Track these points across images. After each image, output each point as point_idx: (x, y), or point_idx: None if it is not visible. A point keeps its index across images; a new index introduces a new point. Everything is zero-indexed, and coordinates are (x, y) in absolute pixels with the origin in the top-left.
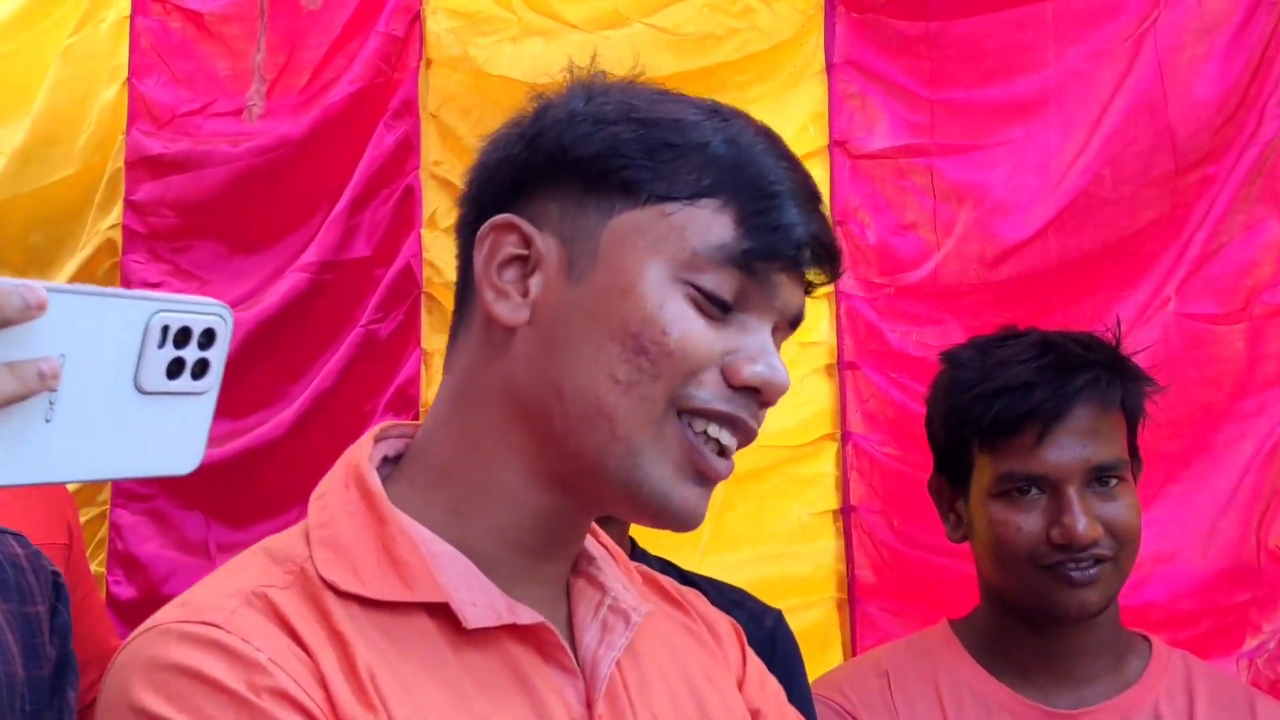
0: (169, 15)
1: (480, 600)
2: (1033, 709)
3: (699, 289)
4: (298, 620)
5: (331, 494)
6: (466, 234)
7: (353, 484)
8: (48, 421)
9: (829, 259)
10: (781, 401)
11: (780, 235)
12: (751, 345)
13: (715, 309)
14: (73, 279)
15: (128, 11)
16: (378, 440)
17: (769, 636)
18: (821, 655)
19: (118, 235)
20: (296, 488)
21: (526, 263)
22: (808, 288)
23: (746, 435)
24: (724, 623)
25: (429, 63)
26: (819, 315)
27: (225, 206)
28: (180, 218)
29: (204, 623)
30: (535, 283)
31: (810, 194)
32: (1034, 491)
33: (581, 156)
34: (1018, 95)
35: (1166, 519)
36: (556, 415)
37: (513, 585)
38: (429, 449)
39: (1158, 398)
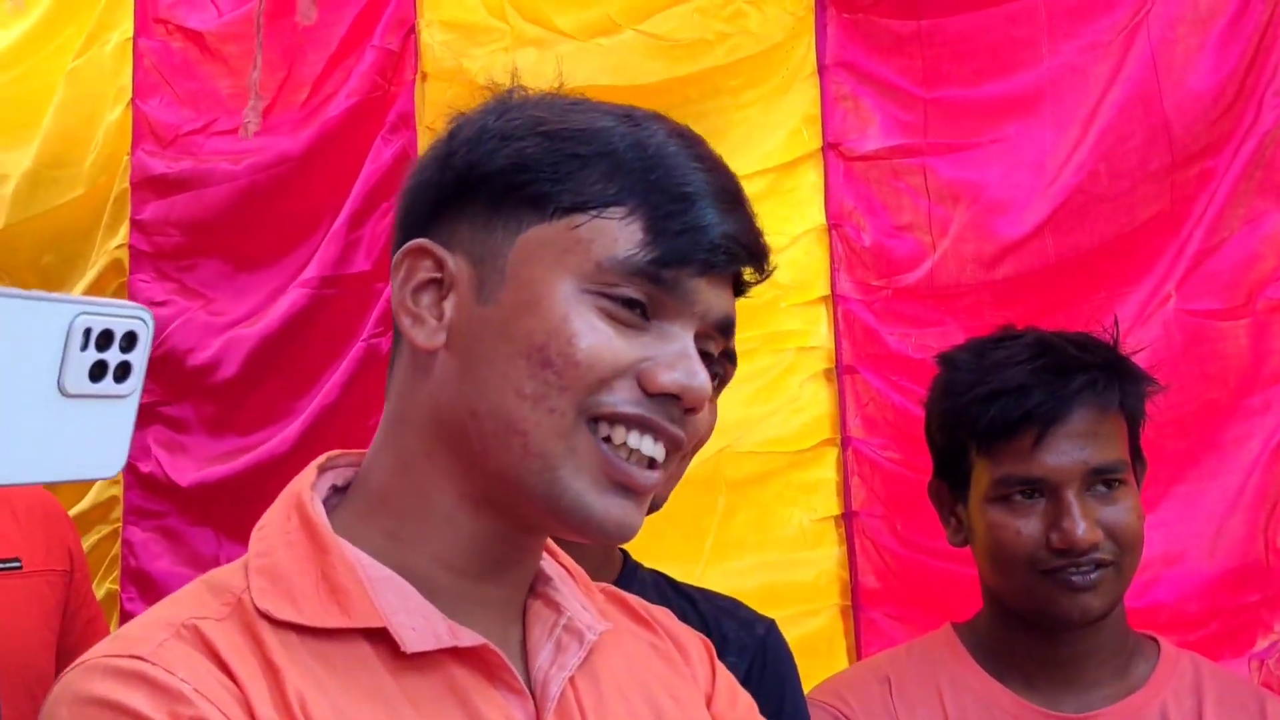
0: (171, 36)
1: (420, 624)
2: (1037, 714)
3: (610, 298)
4: (228, 651)
5: (271, 525)
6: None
7: (294, 513)
8: None
9: (751, 257)
10: (781, 406)
11: (689, 239)
12: (669, 352)
13: (631, 317)
14: None
15: (131, 33)
16: (324, 469)
17: (760, 645)
18: (826, 663)
19: (124, 255)
20: None
21: (441, 286)
22: (740, 288)
23: (671, 441)
24: (693, 639)
25: (424, 76)
26: (817, 320)
27: (228, 224)
28: (185, 236)
29: (129, 655)
30: (449, 305)
31: (728, 193)
32: (1033, 495)
33: (488, 174)
34: (1011, 92)
35: (1173, 519)
36: (474, 436)
37: (458, 610)
38: (369, 476)
39: (1160, 397)
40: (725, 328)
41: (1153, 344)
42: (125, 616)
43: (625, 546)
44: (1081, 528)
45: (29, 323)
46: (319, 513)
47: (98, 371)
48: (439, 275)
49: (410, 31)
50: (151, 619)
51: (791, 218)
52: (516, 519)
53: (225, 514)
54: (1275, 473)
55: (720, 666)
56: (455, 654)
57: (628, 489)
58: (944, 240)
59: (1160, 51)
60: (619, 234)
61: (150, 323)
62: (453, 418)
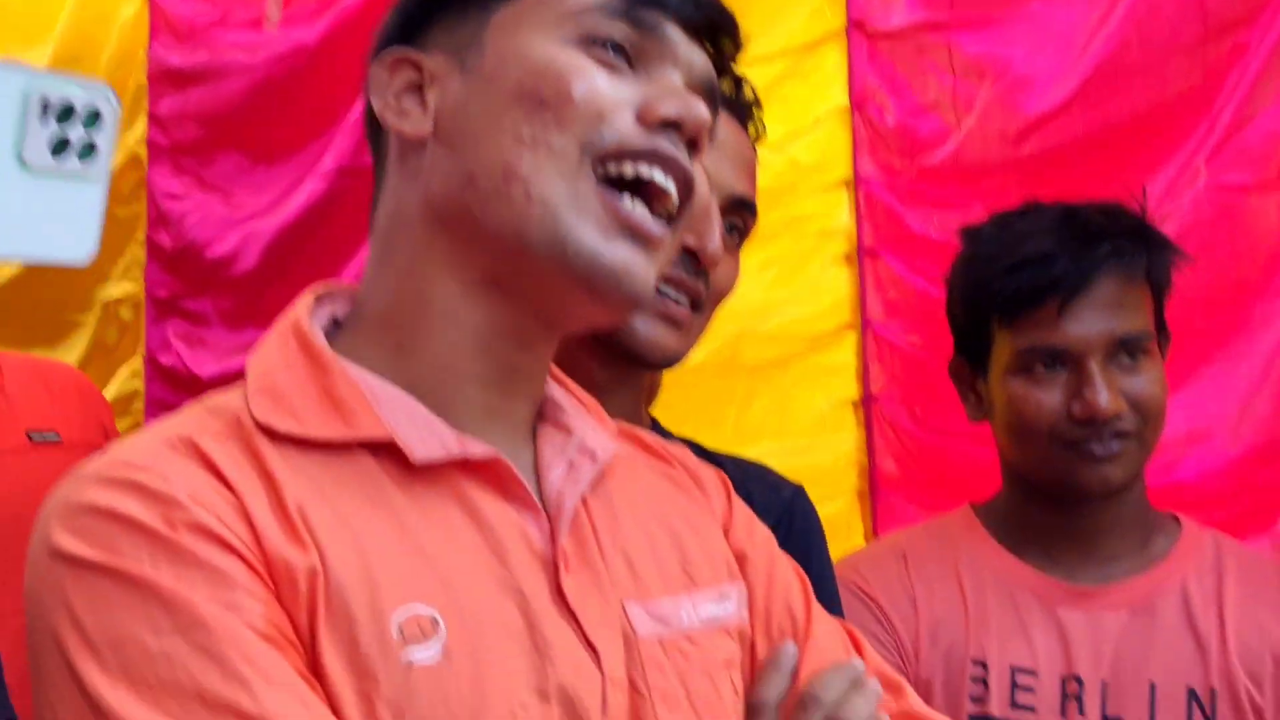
0: None
1: (427, 436)
2: (1055, 586)
3: (592, 42)
4: (225, 462)
5: (267, 351)
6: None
7: (291, 339)
8: None
9: (721, 16)
10: (801, 290)
11: None
12: (662, 87)
13: (617, 60)
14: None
15: None
16: (321, 299)
17: (787, 508)
18: (844, 547)
19: (143, 150)
20: None
21: (422, 85)
22: (720, 67)
23: (679, 173)
24: (709, 472)
25: None
26: (838, 202)
27: (245, 117)
28: (202, 130)
29: (123, 463)
30: (433, 95)
31: None
32: (1055, 366)
33: None
34: None
35: (1198, 398)
36: (472, 203)
37: (467, 426)
38: (367, 299)
39: (1189, 272)
40: (710, 92)
41: (1182, 219)
42: None
43: (653, 413)
44: (1104, 397)
45: None
46: (318, 336)
47: (60, 147)
48: (418, 77)
49: None
50: (146, 436)
51: (813, 99)
52: (522, 300)
53: None
54: None
55: (738, 500)
56: (465, 467)
57: (636, 236)
58: (969, 118)
59: None
60: None
61: (115, 102)
62: (448, 197)
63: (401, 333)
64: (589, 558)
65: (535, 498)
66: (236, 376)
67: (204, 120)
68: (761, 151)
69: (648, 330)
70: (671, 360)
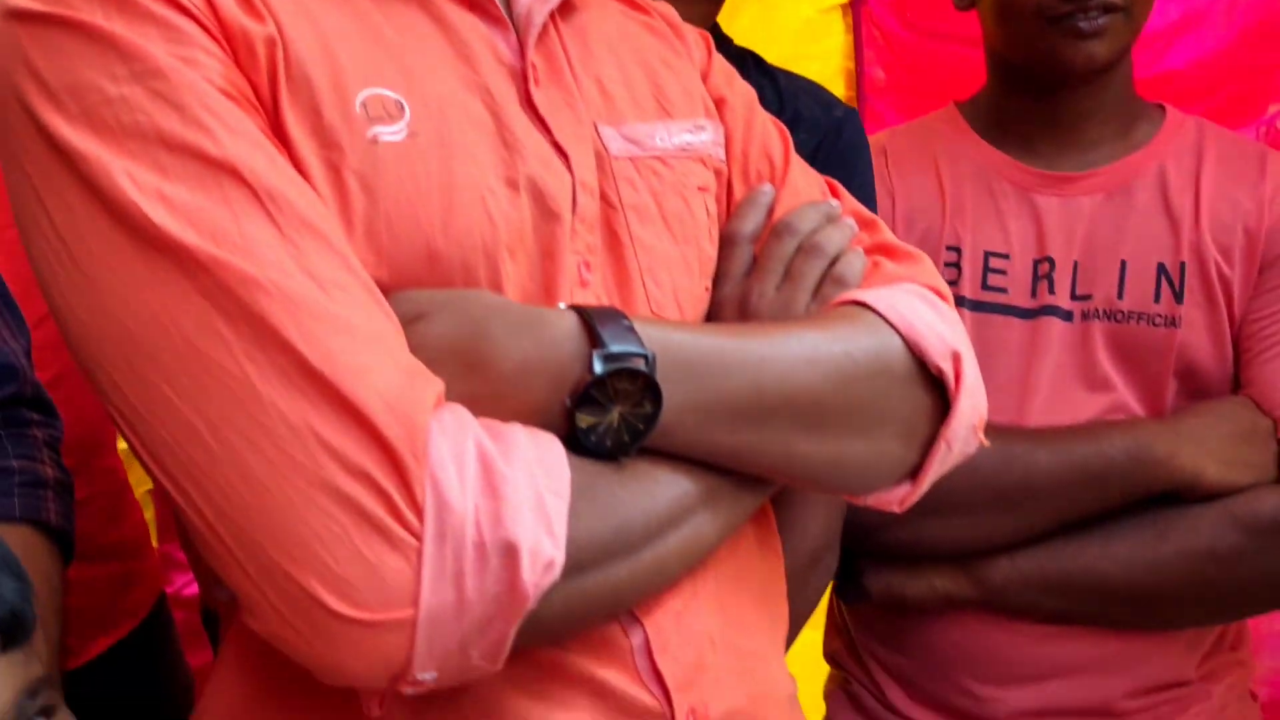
0: None
1: None
2: (1033, 173)
3: None
4: None
5: None
6: None
7: None
8: None
9: None
10: None
11: None
12: None
13: None
14: None
15: None
16: None
17: (835, 126)
18: None
19: None
20: None
21: None
22: None
23: None
24: (691, 30)
25: None
26: None
27: None
28: None
29: None
30: None
31: None
32: None
33: None
34: None
35: None
36: None
37: None
38: None
39: None
40: None
41: None
42: None
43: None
44: None
45: None
46: None
47: None
48: None
49: None
50: None
51: None
52: None
53: None
54: None
55: (719, 56)
56: None
57: None
58: None
59: None
60: None
61: None
62: None
63: None
64: (559, 75)
65: (502, 10)
66: None
67: None
68: None
69: None
70: None
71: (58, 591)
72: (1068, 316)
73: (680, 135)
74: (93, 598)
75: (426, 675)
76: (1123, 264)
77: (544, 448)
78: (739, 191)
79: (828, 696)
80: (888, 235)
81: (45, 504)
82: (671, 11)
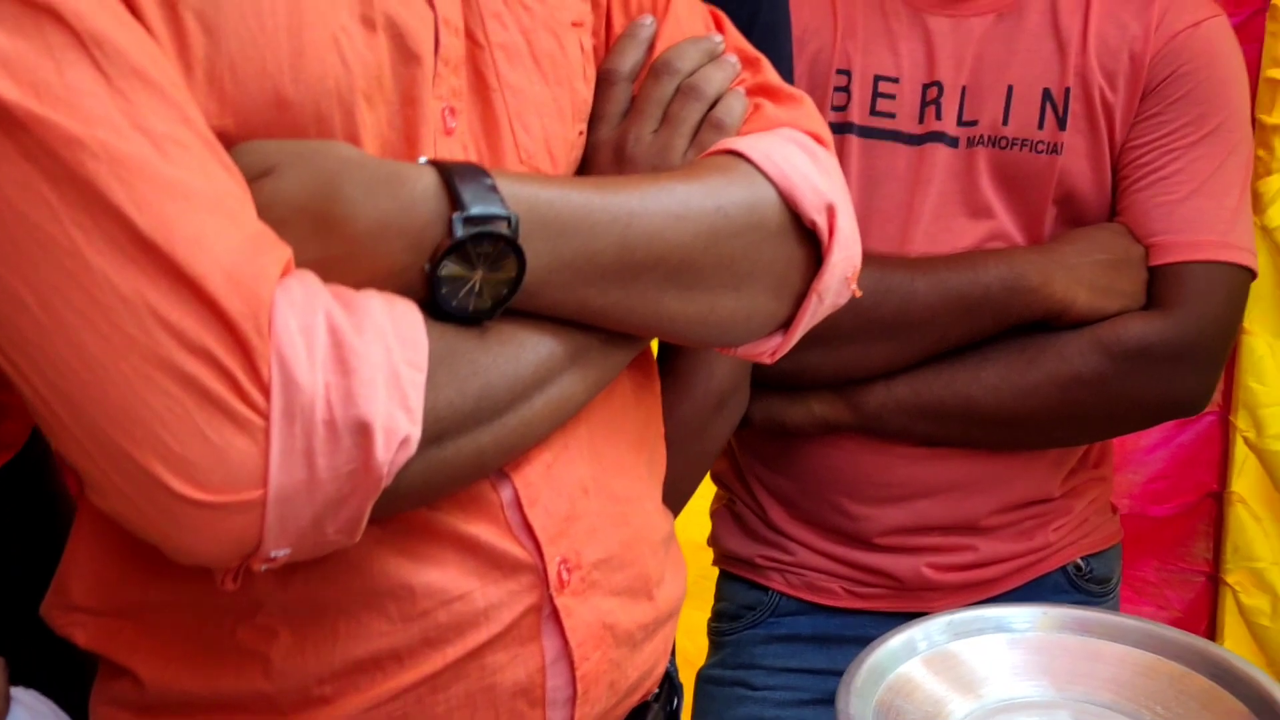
0: None
1: None
2: None
3: None
4: None
5: None
6: None
7: None
8: None
9: None
10: None
11: None
12: None
13: None
14: None
15: None
16: None
17: None
18: None
19: None
20: None
21: None
22: None
23: None
24: None
25: None
26: None
27: None
28: None
29: None
30: None
31: None
32: None
33: None
34: None
35: None
36: None
37: None
38: None
39: None
40: None
41: None
42: None
43: None
44: None
45: None
46: None
47: None
48: None
49: None
50: None
51: None
52: None
53: None
54: None
55: None
56: None
57: None
58: None
59: None
60: None
61: None
62: None
63: None
64: None
65: None
66: None
67: None
68: None
69: None
70: None
71: None
72: (953, 143)
73: None
74: None
75: (280, 552)
76: (1009, 89)
77: (400, 317)
78: (619, 24)
79: (713, 515)
80: (771, 75)
81: None
82: None
